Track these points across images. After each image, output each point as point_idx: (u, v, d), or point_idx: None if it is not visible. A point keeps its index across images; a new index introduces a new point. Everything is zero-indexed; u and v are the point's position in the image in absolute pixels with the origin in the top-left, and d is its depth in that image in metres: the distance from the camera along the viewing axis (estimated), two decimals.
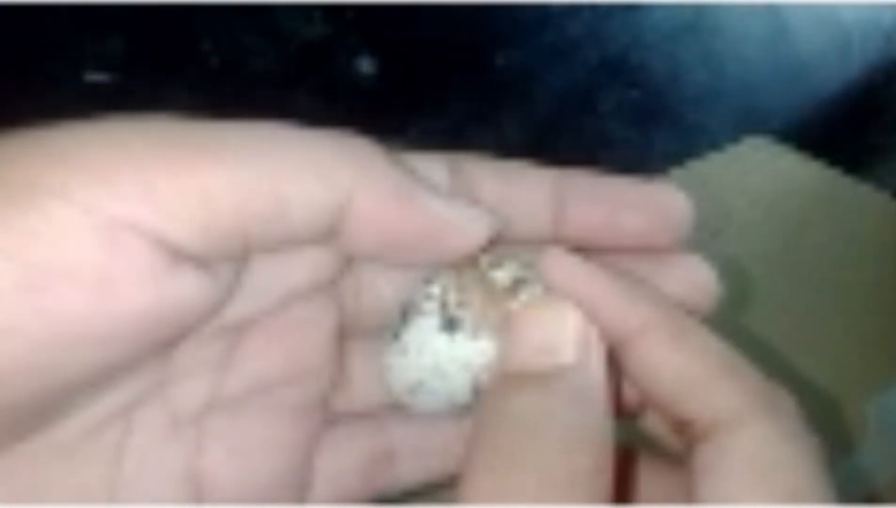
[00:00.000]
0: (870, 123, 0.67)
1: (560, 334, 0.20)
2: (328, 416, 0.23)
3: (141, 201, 0.17)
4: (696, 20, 0.72)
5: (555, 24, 0.72)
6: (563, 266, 0.21)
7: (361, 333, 0.23)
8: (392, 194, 0.19)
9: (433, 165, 0.22)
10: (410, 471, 0.23)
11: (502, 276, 0.21)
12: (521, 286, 0.21)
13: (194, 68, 0.67)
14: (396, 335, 0.21)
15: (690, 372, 0.20)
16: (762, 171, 0.57)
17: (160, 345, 0.19)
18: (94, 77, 0.64)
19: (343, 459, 0.22)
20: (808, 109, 0.68)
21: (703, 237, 0.48)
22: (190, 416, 0.21)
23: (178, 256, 0.17)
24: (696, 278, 0.23)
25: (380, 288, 0.23)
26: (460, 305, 0.21)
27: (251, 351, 0.21)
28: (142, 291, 0.17)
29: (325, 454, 0.22)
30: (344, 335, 0.23)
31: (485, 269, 0.21)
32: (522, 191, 0.22)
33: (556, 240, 0.22)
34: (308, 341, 0.22)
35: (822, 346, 0.46)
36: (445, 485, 0.23)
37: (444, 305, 0.21)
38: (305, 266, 0.21)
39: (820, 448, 0.19)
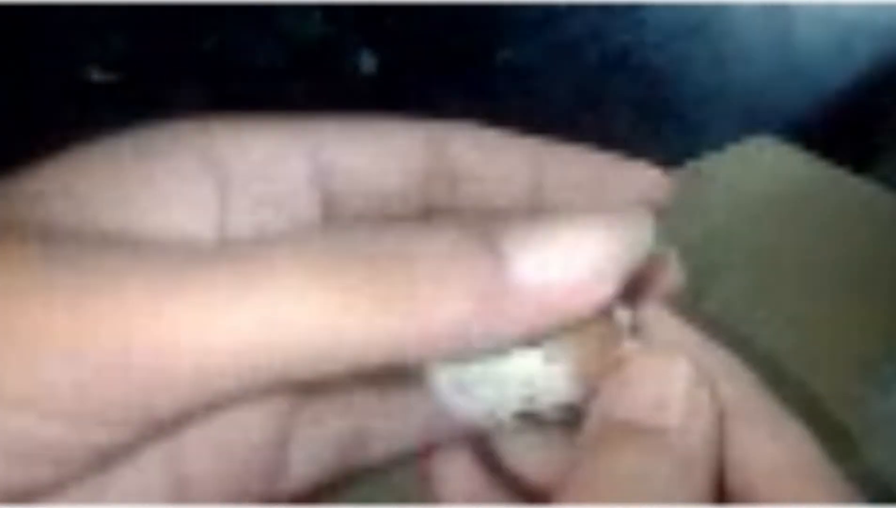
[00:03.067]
0: (875, 122, 0.67)
1: (671, 390, 0.19)
2: (301, 401, 0.22)
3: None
4: (700, 19, 0.72)
5: (558, 22, 0.72)
6: (668, 327, 0.21)
7: None
8: (478, 306, 0.16)
9: (410, 138, 0.22)
10: (384, 445, 0.23)
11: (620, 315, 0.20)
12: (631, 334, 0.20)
13: (196, 66, 0.66)
14: None
15: (779, 464, 0.19)
16: (766, 170, 0.56)
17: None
18: (97, 76, 0.63)
19: (315, 441, 0.22)
20: (812, 108, 0.68)
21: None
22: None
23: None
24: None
25: None
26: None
27: None
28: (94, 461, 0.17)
29: (298, 436, 0.22)
30: None
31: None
32: (501, 160, 0.22)
33: (533, 208, 0.22)
34: None
35: (828, 345, 0.46)
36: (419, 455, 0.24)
37: None
38: None
39: None
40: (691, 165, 0.56)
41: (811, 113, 0.68)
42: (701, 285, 0.45)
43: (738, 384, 0.20)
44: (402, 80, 0.69)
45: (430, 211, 0.22)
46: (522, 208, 0.22)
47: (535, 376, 0.19)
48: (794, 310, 0.47)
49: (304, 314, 0.14)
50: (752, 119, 0.65)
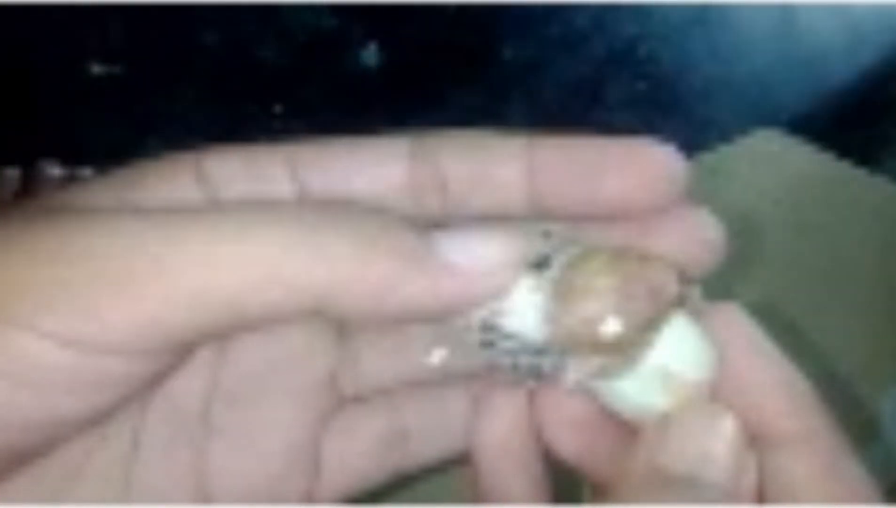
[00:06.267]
0: (881, 114, 0.67)
1: (717, 447, 0.19)
2: (336, 399, 0.22)
3: (93, 329, 0.18)
4: (705, 11, 0.72)
5: (562, 15, 0.71)
6: (741, 335, 0.20)
7: None
8: (377, 267, 0.18)
9: (393, 151, 0.21)
10: (423, 450, 0.23)
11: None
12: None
13: (199, 61, 0.66)
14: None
15: (828, 502, 0.19)
16: (772, 163, 0.56)
17: (122, 404, 0.19)
18: (99, 70, 0.63)
19: (353, 442, 0.22)
20: (818, 100, 0.68)
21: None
22: (194, 413, 0.21)
23: (137, 356, 0.18)
24: (696, 233, 0.21)
25: None
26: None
27: (244, 346, 0.21)
28: (91, 393, 0.18)
29: (335, 437, 0.22)
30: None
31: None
32: (491, 167, 0.21)
33: (536, 213, 0.21)
34: (298, 330, 0.21)
35: (834, 339, 0.46)
36: (458, 462, 0.23)
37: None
38: None
39: None
40: (697, 158, 0.56)
41: (818, 106, 0.67)
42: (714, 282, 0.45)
43: (804, 410, 0.20)
44: (406, 73, 0.69)
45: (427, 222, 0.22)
46: (520, 212, 0.21)
47: (515, 292, 0.20)
48: (798, 309, 0.47)
49: (284, 262, 0.18)
50: (759, 112, 0.64)
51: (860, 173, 0.55)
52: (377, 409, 0.23)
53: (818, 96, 0.68)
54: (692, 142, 0.60)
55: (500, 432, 0.22)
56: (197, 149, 0.21)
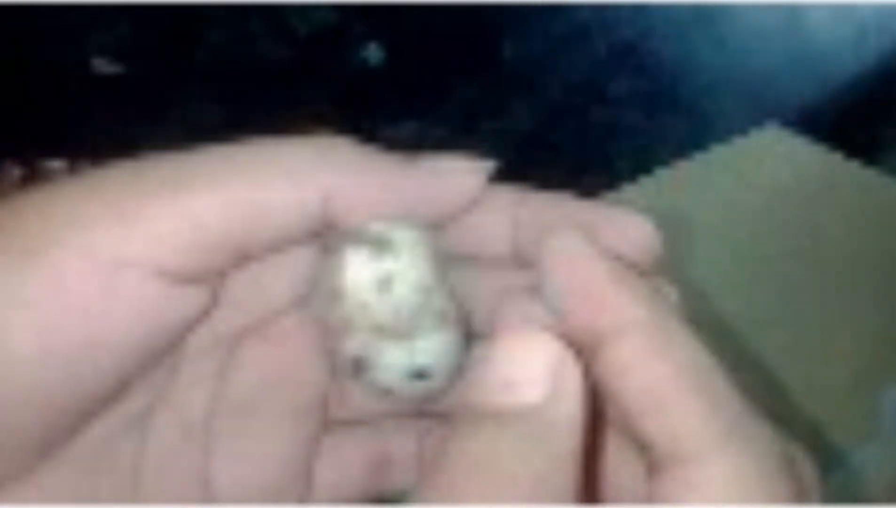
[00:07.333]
0: (884, 112, 0.67)
1: (527, 369, 0.18)
2: (328, 423, 0.24)
3: (129, 241, 0.19)
4: (708, 8, 0.71)
5: (564, 11, 0.71)
6: (559, 243, 0.20)
7: None
8: (374, 175, 0.21)
9: None
10: (407, 475, 0.24)
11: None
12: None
13: (203, 59, 0.66)
14: None
15: (660, 387, 0.18)
16: (775, 160, 0.56)
17: (158, 355, 0.21)
18: (102, 67, 0.63)
19: (343, 463, 0.24)
20: (822, 98, 0.68)
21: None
22: (199, 422, 0.22)
23: (173, 278, 0.20)
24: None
25: None
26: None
27: (246, 361, 0.23)
28: (138, 319, 0.19)
29: (325, 459, 0.23)
30: None
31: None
32: (482, 214, 0.22)
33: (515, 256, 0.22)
34: (297, 349, 0.23)
35: (834, 337, 0.46)
36: None
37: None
38: (290, 277, 0.22)
39: (800, 494, 0.17)
40: (700, 156, 0.56)
41: (821, 103, 0.67)
42: (720, 279, 0.45)
43: (631, 300, 0.19)
44: (408, 71, 0.69)
45: None
46: (503, 259, 0.22)
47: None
48: (802, 306, 0.47)
49: (272, 190, 0.20)
50: (762, 110, 0.64)
51: (863, 172, 0.55)
52: (365, 436, 0.24)
53: (821, 95, 0.68)
54: (694, 139, 0.60)
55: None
56: (197, 147, 0.22)
